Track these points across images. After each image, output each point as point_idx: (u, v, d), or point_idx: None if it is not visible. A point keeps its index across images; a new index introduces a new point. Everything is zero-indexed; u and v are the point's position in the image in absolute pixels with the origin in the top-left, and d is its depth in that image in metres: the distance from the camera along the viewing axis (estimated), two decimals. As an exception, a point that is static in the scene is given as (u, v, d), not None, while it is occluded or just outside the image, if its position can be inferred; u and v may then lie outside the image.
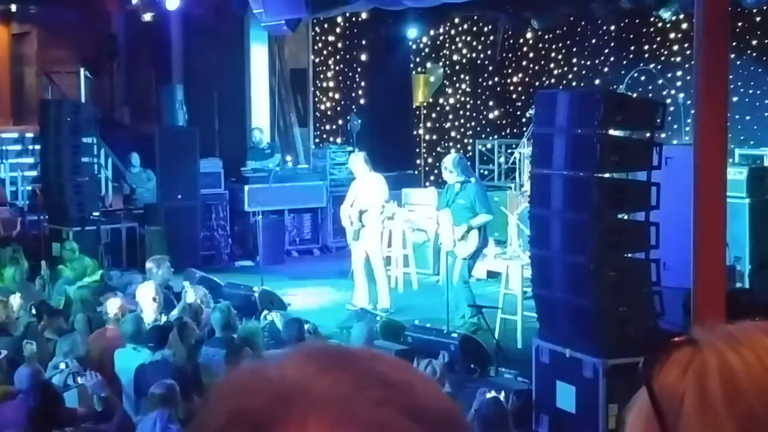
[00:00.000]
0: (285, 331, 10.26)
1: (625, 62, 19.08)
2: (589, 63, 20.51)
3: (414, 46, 22.20)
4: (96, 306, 11.60)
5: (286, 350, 1.17)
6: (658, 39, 19.22)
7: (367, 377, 1.07)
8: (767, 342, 1.21)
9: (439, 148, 21.79)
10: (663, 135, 10.98)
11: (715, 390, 1.18)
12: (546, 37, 21.35)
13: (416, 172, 20.95)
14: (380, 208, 14.23)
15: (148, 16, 20.24)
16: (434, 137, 22.32)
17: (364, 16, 20.60)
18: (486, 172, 19.75)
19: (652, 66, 18.01)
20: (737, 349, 1.21)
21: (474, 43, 22.68)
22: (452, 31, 22.52)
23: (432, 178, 21.12)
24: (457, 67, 22.66)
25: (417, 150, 21.86)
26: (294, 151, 20.74)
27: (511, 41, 22.50)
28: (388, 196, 14.42)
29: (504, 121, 22.42)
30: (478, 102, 22.72)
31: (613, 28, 19.79)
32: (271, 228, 18.32)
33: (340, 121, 21.52)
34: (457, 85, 22.68)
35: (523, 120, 20.24)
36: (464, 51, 22.67)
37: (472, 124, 22.61)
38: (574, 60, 20.86)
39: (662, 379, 1.22)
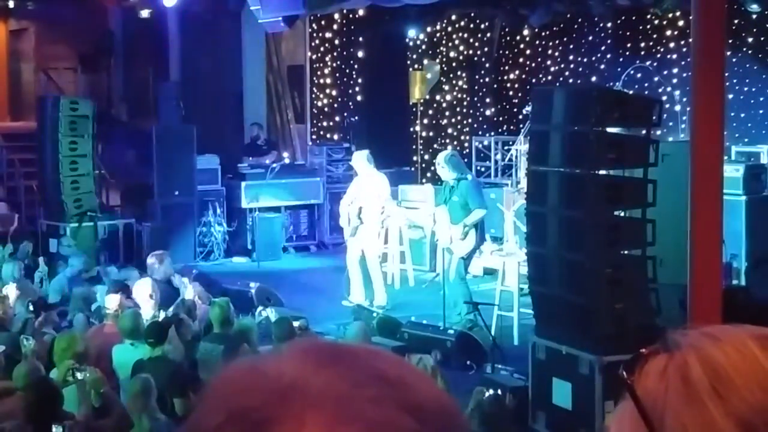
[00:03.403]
0: (275, 330, 10.27)
1: (621, 59, 19.10)
2: (585, 60, 20.53)
3: (411, 43, 22.21)
4: (94, 302, 11.62)
5: (283, 346, 1.17)
6: (655, 36, 19.25)
7: (364, 374, 1.07)
8: (744, 337, 1.22)
9: (435, 145, 21.80)
10: (659, 132, 11.00)
11: (698, 378, 1.19)
12: (542, 34, 21.36)
13: (413, 169, 20.96)
14: (380, 208, 14.25)
15: (145, 13, 20.27)
16: (431, 134, 22.34)
17: (361, 12, 20.61)
18: (483, 169, 19.76)
19: (648, 63, 18.03)
20: (716, 344, 1.22)
21: (471, 40, 22.70)
22: (449, 28, 22.54)
23: (429, 174, 21.12)
24: (454, 64, 22.67)
25: (414, 147, 21.87)
26: (291, 147, 20.76)
27: (508, 38, 22.52)
28: (388, 195, 14.46)
29: (500, 118, 22.44)
30: (475, 99, 22.73)
31: (609, 25, 19.82)
32: (267, 224, 18.34)
33: (337, 118, 21.54)
34: (454, 81, 22.69)
35: (520, 117, 20.24)
36: (461, 48, 22.69)
37: (469, 120, 22.63)
38: (571, 57, 20.88)
39: (642, 383, 1.22)
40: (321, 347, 1.13)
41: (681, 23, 18.16)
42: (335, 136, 21.27)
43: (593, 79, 19.69)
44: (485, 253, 14.01)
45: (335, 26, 21.40)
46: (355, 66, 21.66)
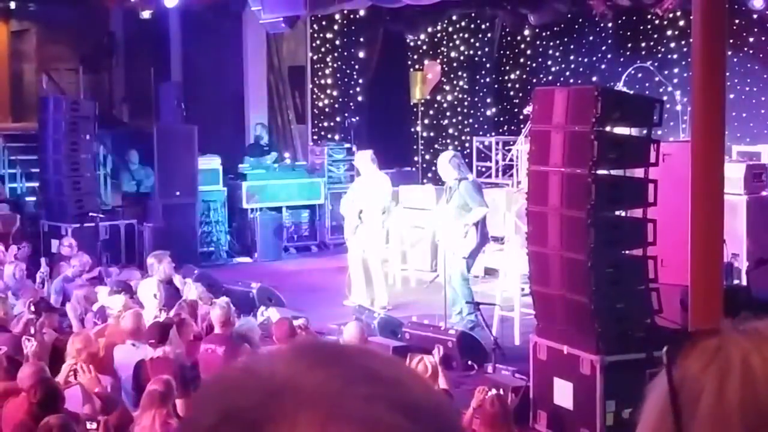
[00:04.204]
0: (275, 330, 10.28)
1: (622, 59, 19.08)
2: (586, 60, 20.52)
3: (411, 44, 22.21)
4: (95, 302, 11.61)
5: (277, 347, 1.17)
6: (656, 36, 19.24)
7: (357, 373, 1.07)
8: None
9: (436, 145, 21.80)
10: (660, 132, 10.98)
11: (733, 393, 1.18)
12: (543, 34, 21.36)
13: (414, 169, 20.96)
14: (382, 209, 14.24)
15: (146, 14, 20.27)
16: (432, 134, 22.34)
17: (362, 13, 20.61)
18: (483, 169, 19.75)
19: (649, 63, 17.99)
20: (762, 350, 1.20)
21: (471, 41, 22.70)
22: (450, 29, 22.54)
23: (430, 175, 21.12)
24: (455, 64, 22.67)
25: (414, 147, 21.87)
26: (292, 147, 20.77)
27: (509, 38, 22.51)
28: (390, 197, 14.45)
29: (501, 118, 22.43)
30: (476, 99, 22.73)
31: (610, 25, 19.81)
32: (269, 224, 18.37)
33: (337, 118, 21.54)
34: (455, 82, 22.69)
35: (521, 117, 20.22)
36: (462, 48, 22.69)
37: (470, 121, 22.63)
38: (572, 57, 20.87)
39: (685, 367, 1.22)
40: (315, 347, 1.13)
41: (682, 23, 18.15)
42: (336, 137, 21.27)
43: (594, 79, 19.66)
44: (486, 252, 14.01)
45: (336, 27, 21.40)
46: (356, 66, 21.66)
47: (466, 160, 18.28)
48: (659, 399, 1.23)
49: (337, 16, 20.81)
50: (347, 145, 19.89)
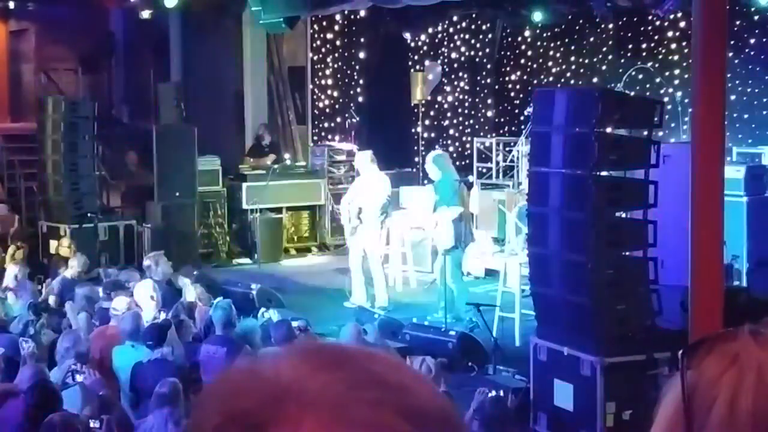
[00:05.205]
0: (274, 333, 10.27)
1: (623, 60, 19.10)
2: (587, 61, 20.52)
3: (412, 44, 22.21)
4: (97, 302, 11.59)
5: (281, 349, 1.16)
6: (656, 37, 19.24)
7: (362, 377, 1.07)
8: None
9: (437, 146, 21.76)
10: (661, 133, 10.97)
11: (746, 402, 1.16)
12: (544, 35, 21.36)
13: (414, 170, 20.95)
14: (381, 209, 14.24)
15: (146, 14, 20.25)
16: (432, 135, 22.33)
17: (362, 14, 20.60)
18: (484, 170, 19.75)
19: (650, 64, 18.01)
20: None
21: (472, 41, 22.69)
22: (450, 29, 22.52)
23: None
24: (456, 65, 22.67)
25: (415, 148, 21.86)
26: (292, 148, 20.75)
27: (509, 39, 22.51)
28: (389, 197, 14.45)
29: (502, 119, 22.43)
30: (477, 100, 22.72)
31: (611, 26, 19.81)
32: (269, 226, 18.33)
33: (338, 119, 21.53)
34: (456, 83, 22.68)
35: (521, 118, 20.27)
36: (462, 49, 22.68)
37: (471, 122, 22.62)
38: (572, 58, 20.88)
39: (701, 372, 1.20)
40: (319, 349, 1.13)
41: (682, 24, 18.14)
42: (336, 137, 21.26)
43: (595, 80, 19.68)
44: (487, 254, 14.00)
45: (336, 27, 21.39)
46: (357, 67, 21.65)
47: (467, 161, 18.31)
48: (672, 403, 1.21)
49: (337, 17, 20.80)
50: (348, 147, 19.87)
